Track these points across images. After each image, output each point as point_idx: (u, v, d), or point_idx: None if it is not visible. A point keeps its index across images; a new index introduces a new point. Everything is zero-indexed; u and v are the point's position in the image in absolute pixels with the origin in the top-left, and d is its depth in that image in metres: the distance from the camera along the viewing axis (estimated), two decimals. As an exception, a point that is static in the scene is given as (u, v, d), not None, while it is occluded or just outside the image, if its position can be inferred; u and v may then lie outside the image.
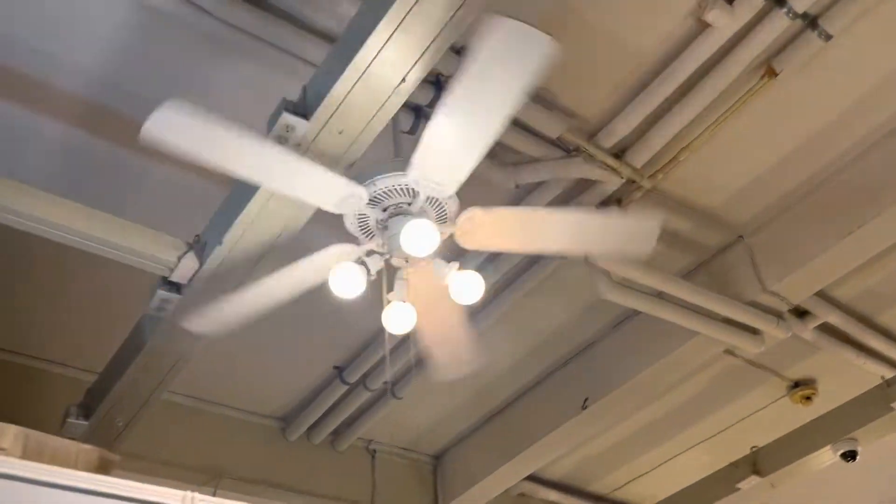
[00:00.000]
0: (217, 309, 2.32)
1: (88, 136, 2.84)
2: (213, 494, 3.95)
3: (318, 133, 2.15)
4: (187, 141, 1.90)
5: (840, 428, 4.10)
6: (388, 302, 2.24)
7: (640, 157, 3.08)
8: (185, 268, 2.48)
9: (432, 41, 1.97)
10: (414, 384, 3.99)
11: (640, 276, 3.33)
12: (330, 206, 2.14)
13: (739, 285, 3.53)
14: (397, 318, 2.22)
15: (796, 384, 4.41)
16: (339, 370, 4.11)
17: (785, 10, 2.63)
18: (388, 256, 2.18)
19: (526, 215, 2.33)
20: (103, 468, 2.07)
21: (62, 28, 2.55)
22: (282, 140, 2.11)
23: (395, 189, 2.12)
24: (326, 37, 2.55)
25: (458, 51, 2.47)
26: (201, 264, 2.50)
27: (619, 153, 3.09)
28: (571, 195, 3.23)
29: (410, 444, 4.72)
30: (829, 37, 2.73)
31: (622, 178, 3.10)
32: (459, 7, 1.88)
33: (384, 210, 2.16)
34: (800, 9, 2.63)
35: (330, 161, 2.19)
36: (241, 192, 2.41)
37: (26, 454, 1.94)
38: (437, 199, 2.13)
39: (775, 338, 3.65)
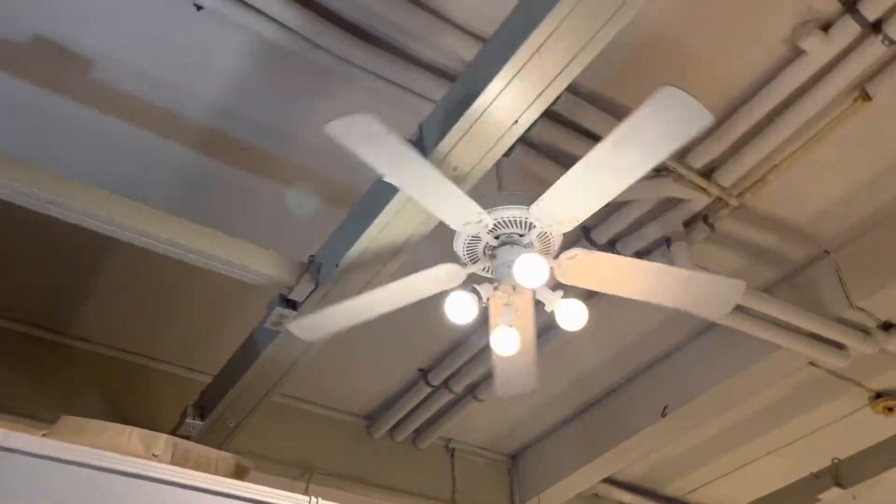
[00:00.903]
0: (325, 317, 2.43)
1: (208, 160, 3.05)
2: (306, 489, 4.20)
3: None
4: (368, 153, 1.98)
5: (924, 441, 4.07)
6: (496, 325, 2.37)
7: (728, 176, 3.13)
8: (303, 288, 2.66)
9: (546, 87, 2.08)
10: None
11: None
12: (457, 225, 2.24)
13: (825, 300, 3.55)
14: (504, 342, 2.35)
15: (878, 395, 4.39)
16: (424, 373, 4.27)
17: (881, 37, 2.67)
18: (497, 284, 2.31)
19: (622, 263, 2.41)
20: (239, 474, 2.27)
21: (189, 63, 2.76)
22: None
23: (515, 220, 2.23)
24: (434, 69, 2.69)
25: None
26: (317, 284, 2.67)
27: (708, 173, 3.15)
28: (657, 212, 3.32)
29: (489, 443, 4.87)
30: (924, 62, 2.76)
31: (710, 196, 3.18)
32: (576, 55, 1.99)
33: (497, 238, 2.28)
34: (895, 35, 2.66)
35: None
36: (357, 221, 2.58)
37: (175, 460, 2.15)
38: (547, 234, 2.25)
39: (862, 353, 3.66)
